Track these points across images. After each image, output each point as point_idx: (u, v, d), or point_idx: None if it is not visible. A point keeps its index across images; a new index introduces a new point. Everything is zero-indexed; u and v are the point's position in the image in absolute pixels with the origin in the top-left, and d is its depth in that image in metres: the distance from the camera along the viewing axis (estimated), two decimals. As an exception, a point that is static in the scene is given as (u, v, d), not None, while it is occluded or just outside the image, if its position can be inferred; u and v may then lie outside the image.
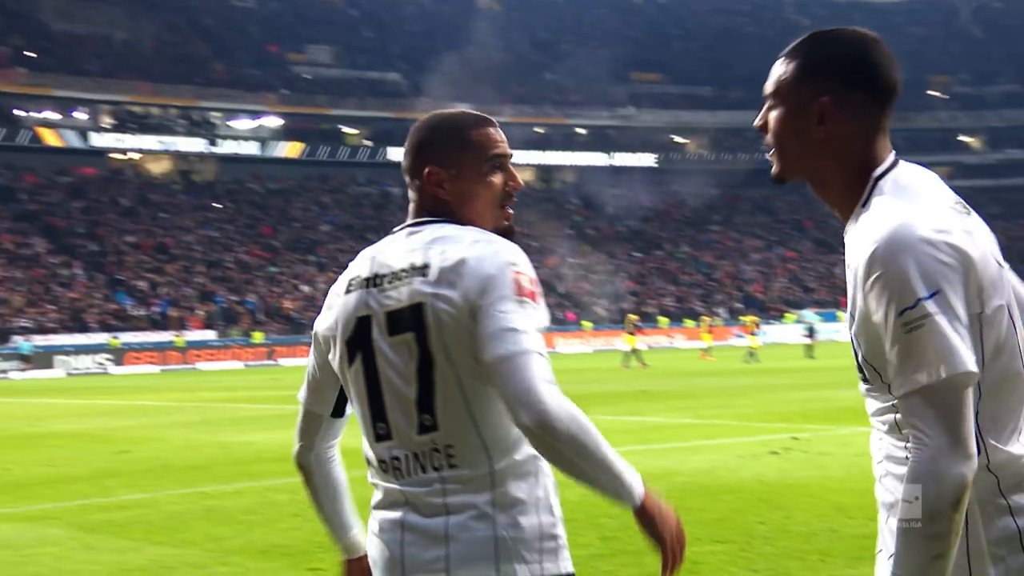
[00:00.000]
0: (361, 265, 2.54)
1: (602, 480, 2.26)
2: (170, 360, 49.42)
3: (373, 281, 2.48)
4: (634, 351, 36.58)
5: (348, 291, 2.53)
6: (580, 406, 2.29)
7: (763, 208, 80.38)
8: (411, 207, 2.57)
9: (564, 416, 2.22)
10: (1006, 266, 2.13)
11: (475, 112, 2.60)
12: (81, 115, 67.31)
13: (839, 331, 58.05)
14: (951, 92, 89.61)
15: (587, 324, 58.59)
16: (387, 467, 2.45)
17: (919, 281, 1.90)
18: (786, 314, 60.68)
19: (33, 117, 65.59)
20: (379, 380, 2.43)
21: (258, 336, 53.39)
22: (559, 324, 56.77)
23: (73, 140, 65.79)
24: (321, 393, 2.69)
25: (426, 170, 2.51)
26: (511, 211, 2.58)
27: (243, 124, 72.13)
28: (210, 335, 53.85)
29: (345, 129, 75.68)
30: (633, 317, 39.78)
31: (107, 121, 68.06)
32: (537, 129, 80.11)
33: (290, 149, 71.88)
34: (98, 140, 66.85)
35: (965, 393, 1.90)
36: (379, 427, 2.45)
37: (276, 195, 69.75)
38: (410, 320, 2.37)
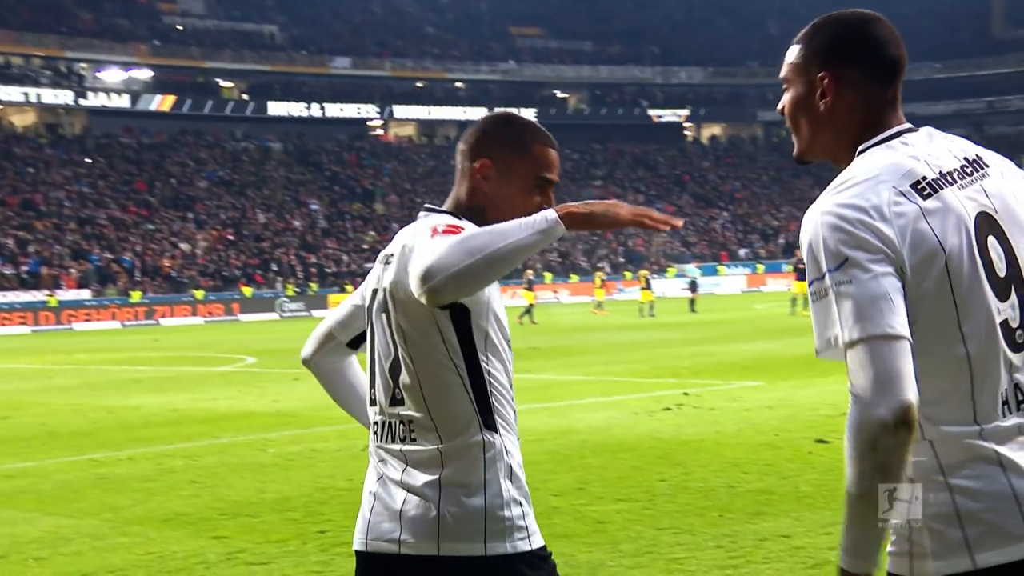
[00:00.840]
0: (392, 242, 2.71)
1: (525, 251, 2.34)
2: (43, 321, 48.02)
3: (387, 259, 2.66)
4: (530, 307, 36.73)
5: (379, 263, 2.71)
6: None
7: (643, 163, 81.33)
8: (453, 189, 2.71)
9: (443, 272, 2.28)
10: (1005, 220, 2.14)
11: (545, 130, 2.70)
12: (-63, 64, 64.61)
13: (719, 284, 59.36)
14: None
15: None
16: (372, 431, 2.69)
17: (827, 255, 2.02)
18: (668, 268, 61.63)
19: None
20: (374, 349, 2.66)
21: (136, 295, 52.22)
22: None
23: (-72, 91, 63.13)
24: (349, 322, 2.87)
25: (480, 161, 2.64)
26: None
27: (113, 76, 69.97)
28: (85, 295, 52.42)
29: (221, 82, 74.07)
30: (530, 272, 39.90)
31: (-35, 71, 65.45)
32: (418, 83, 79.55)
33: (163, 103, 70.05)
34: (-45, 91, 64.27)
35: (879, 347, 1.97)
36: (372, 392, 2.68)
37: (150, 150, 68.00)
38: (385, 301, 2.60)
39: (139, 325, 48.61)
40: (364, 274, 56.73)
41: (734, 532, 6.80)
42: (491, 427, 2.54)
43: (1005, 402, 2.07)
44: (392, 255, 2.61)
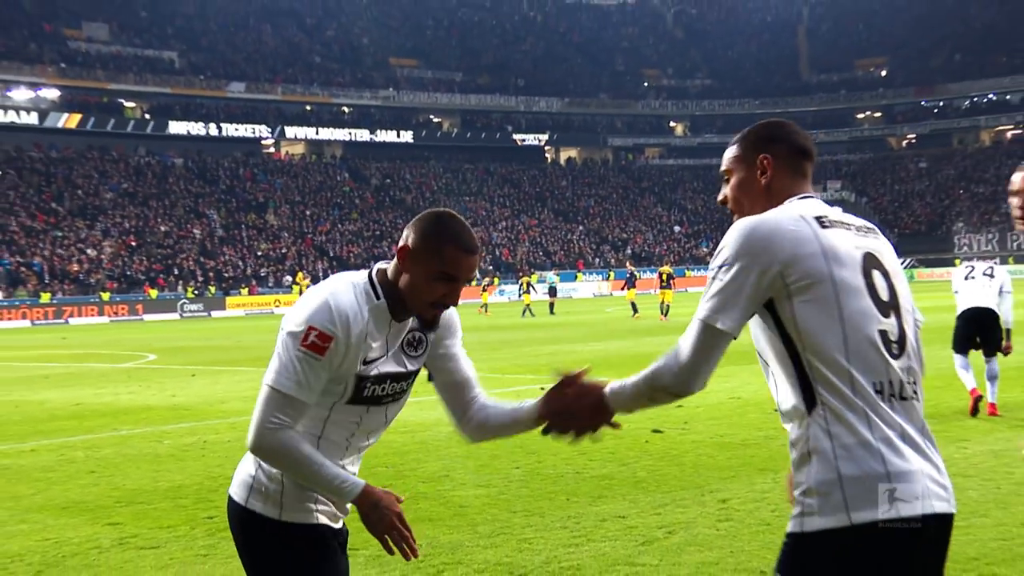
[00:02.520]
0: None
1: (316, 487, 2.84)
2: (-46, 321, 45.97)
3: None
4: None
5: None
6: None
7: (509, 181, 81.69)
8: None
9: (261, 454, 2.78)
10: (889, 267, 2.47)
11: (469, 241, 2.79)
12: None
13: (576, 289, 60.00)
14: (660, 84, 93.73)
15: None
16: None
17: (732, 252, 2.37)
18: (531, 274, 61.96)
19: None
20: None
21: (46, 297, 50.30)
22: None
23: None
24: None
25: (404, 244, 2.81)
26: (439, 312, 2.86)
27: (21, 95, 67.41)
28: (-5, 296, 50.35)
29: (125, 103, 71.95)
30: None
31: None
32: (306, 107, 78.55)
33: (69, 120, 67.71)
34: None
35: (712, 335, 2.37)
36: None
37: (59, 163, 65.63)
38: None
39: (48, 324, 46.85)
40: (259, 278, 55.27)
41: (579, 514, 6.85)
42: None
43: (879, 391, 2.36)
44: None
